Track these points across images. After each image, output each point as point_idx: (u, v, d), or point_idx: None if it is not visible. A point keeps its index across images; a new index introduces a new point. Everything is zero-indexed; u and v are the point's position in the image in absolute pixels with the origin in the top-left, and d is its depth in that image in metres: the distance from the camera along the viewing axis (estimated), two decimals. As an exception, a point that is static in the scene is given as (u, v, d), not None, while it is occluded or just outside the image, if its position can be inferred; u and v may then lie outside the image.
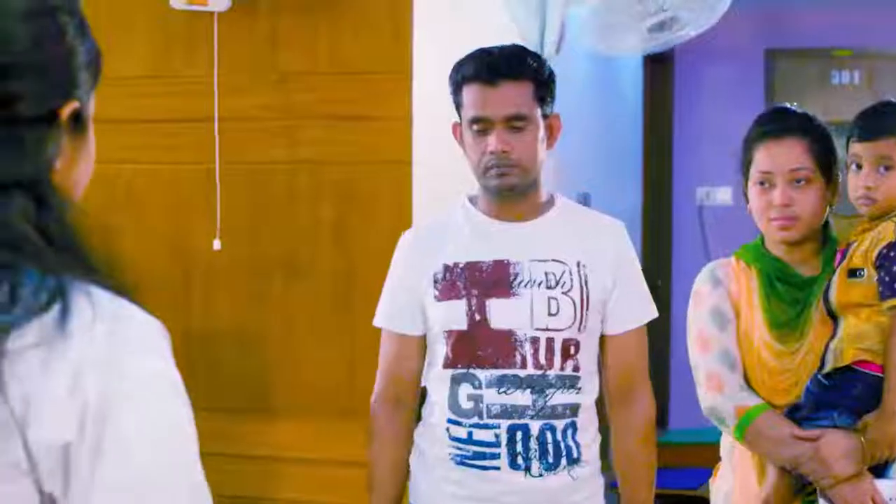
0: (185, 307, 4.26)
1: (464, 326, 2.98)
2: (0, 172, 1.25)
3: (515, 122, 2.94)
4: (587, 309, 2.99)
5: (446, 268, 3.02)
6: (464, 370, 2.98)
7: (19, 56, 1.29)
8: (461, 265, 3.00)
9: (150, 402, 1.24)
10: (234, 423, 4.15)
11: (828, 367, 2.88)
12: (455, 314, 2.99)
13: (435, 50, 4.08)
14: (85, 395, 1.19)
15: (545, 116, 3.00)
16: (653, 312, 3.13)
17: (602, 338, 3.07)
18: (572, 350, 2.98)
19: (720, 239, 7.79)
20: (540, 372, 2.95)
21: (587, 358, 3.02)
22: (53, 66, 1.32)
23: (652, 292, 3.14)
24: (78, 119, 1.35)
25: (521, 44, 3.23)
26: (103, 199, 4.30)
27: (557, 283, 2.98)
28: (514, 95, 2.95)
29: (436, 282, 3.02)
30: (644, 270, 3.16)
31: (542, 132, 2.99)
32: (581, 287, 2.99)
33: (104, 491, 1.20)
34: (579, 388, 3.00)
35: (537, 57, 3.07)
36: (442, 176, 4.04)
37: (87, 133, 1.38)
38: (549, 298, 2.97)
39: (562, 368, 2.97)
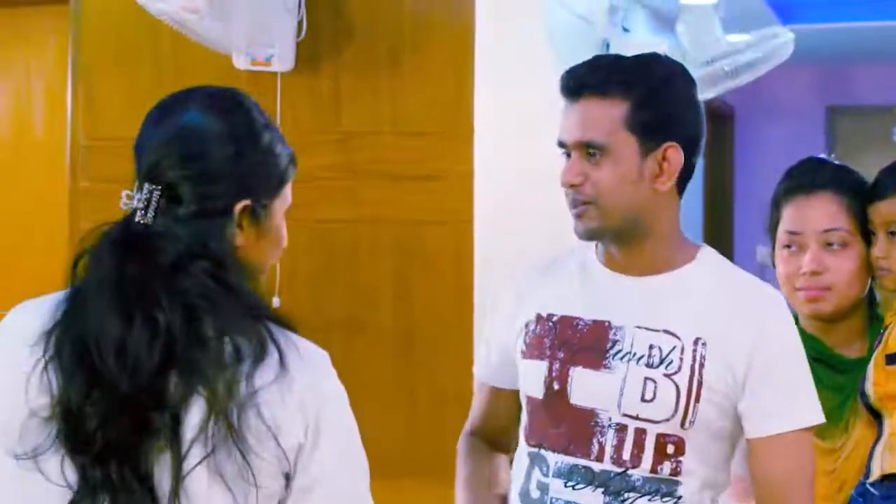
0: (247, 365, 4.26)
1: (539, 395, 2.37)
2: (192, 249, 1.80)
3: (590, 150, 2.30)
4: (696, 400, 2.27)
5: (538, 318, 2.41)
6: (536, 449, 2.38)
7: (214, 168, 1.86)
8: (555, 318, 2.38)
9: (341, 409, 1.86)
10: (294, 482, 4.15)
11: (875, 475, 2.41)
12: (534, 378, 2.38)
13: (497, 108, 4.09)
14: (306, 410, 1.79)
15: (649, 148, 2.29)
16: (811, 418, 2.31)
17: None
18: (671, 449, 2.28)
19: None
20: (620, 469, 2.28)
21: (699, 463, 2.30)
22: (224, 177, 1.86)
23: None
24: (254, 212, 1.87)
25: None
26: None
27: (661, 362, 2.28)
28: (591, 116, 2.29)
29: (526, 333, 2.42)
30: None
31: (636, 166, 2.29)
32: (692, 371, 2.27)
33: (321, 464, 1.80)
34: (679, 498, 2.29)
35: (648, 69, 2.34)
36: (504, 234, 4.04)
37: (266, 222, 1.90)
38: (646, 379, 2.28)
39: (654, 470, 2.27)
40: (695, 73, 4.32)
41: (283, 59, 4.08)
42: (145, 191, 1.84)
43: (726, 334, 2.28)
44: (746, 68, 4.25)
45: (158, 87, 4.40)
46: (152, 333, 1.74)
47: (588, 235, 2.34)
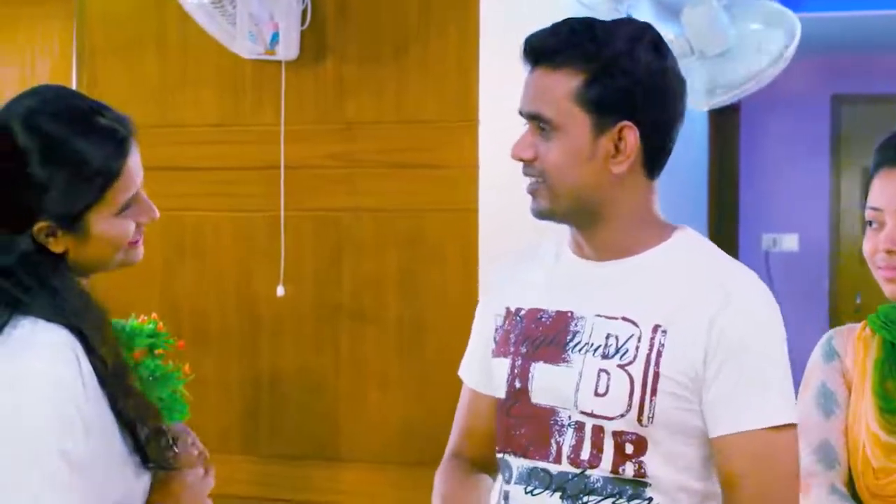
0: (251, 354, 4.26)
1: (503, 395, 2.19)
2: None
3: (541, 124, 2.12)
4: (653, 393, 2.04)
5: (508, 313, 2.24)
6: (502, 455, 2.20)
7: None
8: (522, 311, 2.21)
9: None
10: (300, 470, 4.14)
11: None
12: (499, 377, 2.20)
13: (502, 97, 4.08)
14: None
15: (604, 126, 2.08)
16: (779, 416, 2.03)
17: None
18: (629, 449, 2.06)
19: (787, 286, 7.74)
20: (577, 470, 2.08)
21: (666, 465, 2.07)
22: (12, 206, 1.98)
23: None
24: (63, 228, 1.98)
25: None
26: (169, 246, 4.33)
27: (617, 352, 2.07)
28: (543, 88, 2.11)
29: (497, 330, 2.26)
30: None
31: (588, 145, 2.09)
32: (647, 361, 2.05)
33: None
34: (648, 500, 2.07)
35: (610, 39, 2.08)
36: (509, 224, 4.04)
37: (84, 232, 1.99)
38: (600, 371, 2.07)
39: (615, 471, 2.06)
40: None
41: (287, 48, 4.07)
42: None
43: (687, 317, 2.05)
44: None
45: (163, 74, 4.41)
46: None
47: (540, 215, 2.16)
